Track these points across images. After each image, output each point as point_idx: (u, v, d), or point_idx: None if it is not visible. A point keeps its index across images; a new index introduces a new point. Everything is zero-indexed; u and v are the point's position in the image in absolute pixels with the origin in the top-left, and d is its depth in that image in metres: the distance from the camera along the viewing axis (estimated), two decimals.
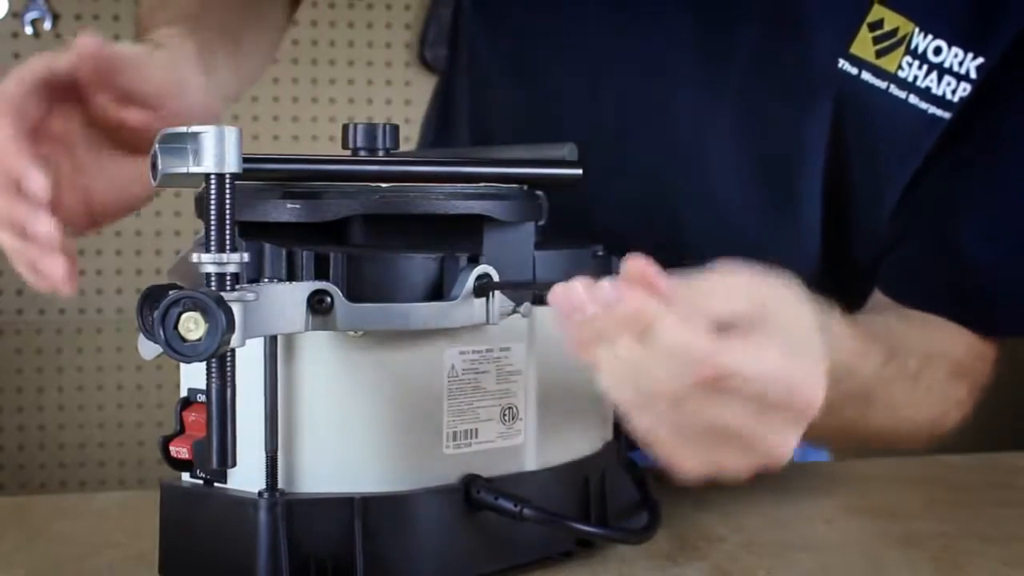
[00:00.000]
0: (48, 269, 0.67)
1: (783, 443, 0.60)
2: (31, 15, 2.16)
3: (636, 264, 0.57)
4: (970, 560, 0.79)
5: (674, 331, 0.56)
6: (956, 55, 0.88)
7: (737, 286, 0.60)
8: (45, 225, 0.65)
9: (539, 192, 0.76)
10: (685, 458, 0.60)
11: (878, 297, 0.96)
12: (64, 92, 0.70)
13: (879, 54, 0.89)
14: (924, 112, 0.89)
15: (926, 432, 0.90)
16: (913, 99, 0.89)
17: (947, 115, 0.90)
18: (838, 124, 0.92)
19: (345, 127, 0.74)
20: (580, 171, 0.76)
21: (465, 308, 0.68)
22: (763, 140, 0.94)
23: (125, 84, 0.71)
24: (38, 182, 0.64)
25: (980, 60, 0.88)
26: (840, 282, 0.91)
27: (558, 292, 0.58)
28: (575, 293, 0.57)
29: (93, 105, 0.72)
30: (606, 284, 0.57)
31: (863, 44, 0.89)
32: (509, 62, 1.01)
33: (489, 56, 1.02)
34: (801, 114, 0.92)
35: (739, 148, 0.94)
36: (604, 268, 0.79)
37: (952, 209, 0.92)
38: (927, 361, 0.88)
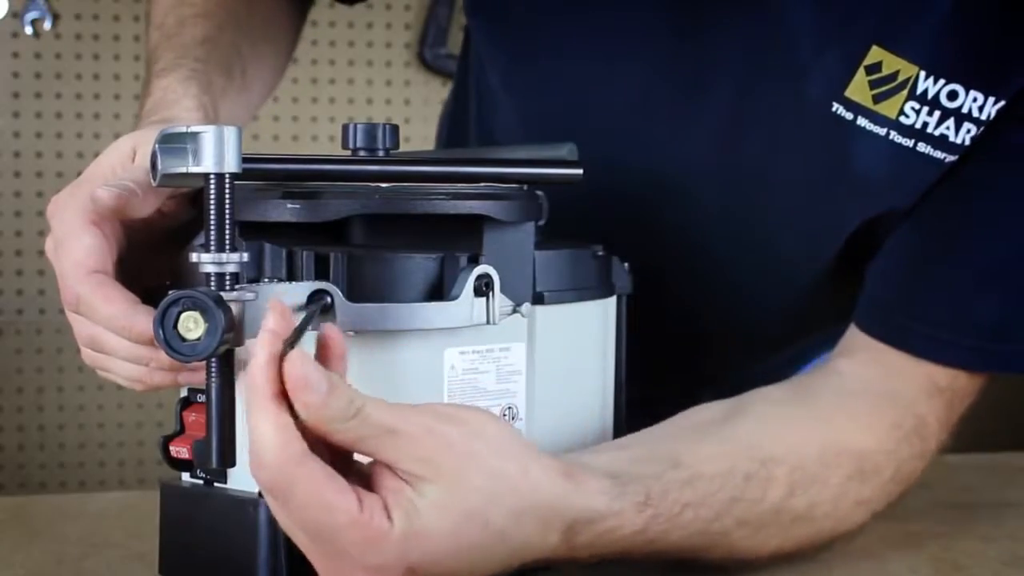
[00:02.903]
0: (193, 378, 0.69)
1: None
2: (31, 15, 2.16)
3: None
4: (970, 560, 0.79)
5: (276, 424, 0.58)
6: (975, 99, 0.81)
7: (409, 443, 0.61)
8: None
9: (539, 192, 0.76)
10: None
11: (846, 335, 0.88)
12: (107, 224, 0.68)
13: (877, 99, 0.83)
14: (941, 161, 0.83)
15: (807, 547, 0.79)
16: (924, 147, 0.83)
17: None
18: (829, 168, 0.87)
19: (345, 127, 0.74)
20: (580, 171, 0.76)
21: (465, 308, 0.68)
22: (747, 180, 0.90)
23: (153, 201, 0.69)
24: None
25: (1001, 103, 0.81)
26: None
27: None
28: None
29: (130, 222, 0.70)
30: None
31: (859, 88, 0.83)
32: (503, 77, 0.99)
33: (488, 67, 1.02)
34: (790, 155, 0.88)
35: (723, 185, 0.91)
36: (604, 268, 0.79)
37: (943, 238, 0.87)
38: (811, 476, 0.77)
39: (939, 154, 0.83)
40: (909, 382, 0.83)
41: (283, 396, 0.58)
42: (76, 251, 0.66)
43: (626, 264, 0.81)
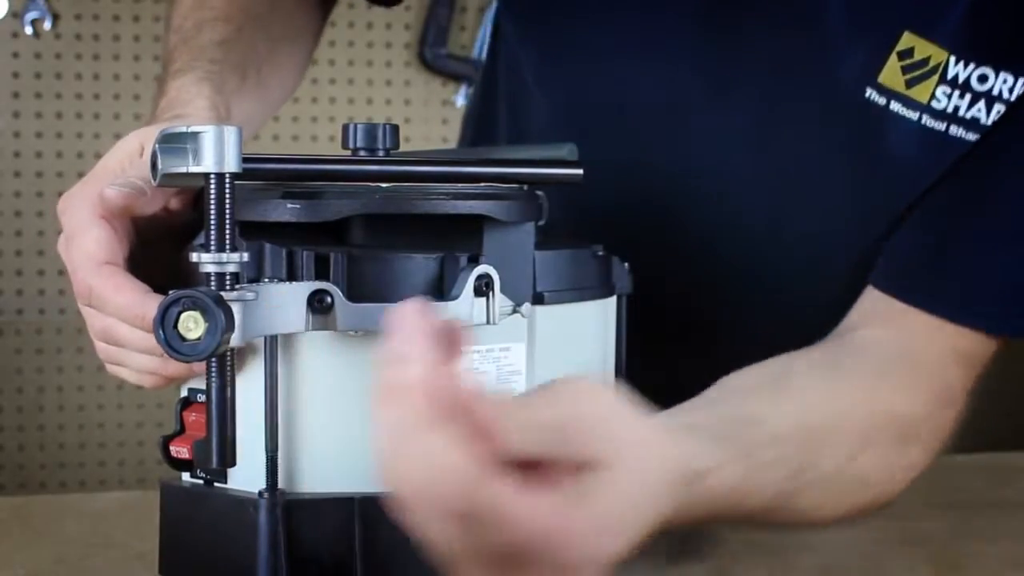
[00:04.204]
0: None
1: None
2: (31, 15, 2.16)
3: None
4: (970, 560, 0.79)
5: (448, 449, 0.51)
6: (1005, 81, 0.83)
7: (567, 423, 0.55)
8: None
9: (539, 192, 0.76)
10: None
11: (861, 306, 0.88)
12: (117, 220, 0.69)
13: (909, 84, 0.85)
14: (972, 144, 0.84)
15: (858, 513, 0.80)
16: (956, 130, 0.84)
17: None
18: (863, 157, 0.88)
19: (345, 127, 0.74)
20: (580, 171, 0.76)
21: (465, 308, 0.68)
22: (782, 174, 0.91)
23: (161, 199, 0.70)
24: None
25: None
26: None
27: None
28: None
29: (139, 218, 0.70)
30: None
31: (892, 74, 0.85)
32: (536, 69, 1.00)
33: (521, 59, 1.01)
34: (824, 146, 0.89)
35: (758, 181, 0.92)
36: (604, 268, 0.79)
37: (965, 204, 0.88)
38: (865, 440, 0.78)
39: (971, 136, 0.84)
40: (935, 347, 0.84)
41: (449, 410, 0.51)
42: (87, 244, 0.67)
43: (626, 264, 0.81)
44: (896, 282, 0.87)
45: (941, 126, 0.84)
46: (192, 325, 0.60)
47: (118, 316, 0.67)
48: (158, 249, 0.71)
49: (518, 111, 1.04)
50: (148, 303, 0.65)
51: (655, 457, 0.59)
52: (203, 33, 0.87)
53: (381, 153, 0.74)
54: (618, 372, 0.82)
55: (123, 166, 0.72)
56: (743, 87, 0.90)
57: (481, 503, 0.51)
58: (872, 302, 0.88)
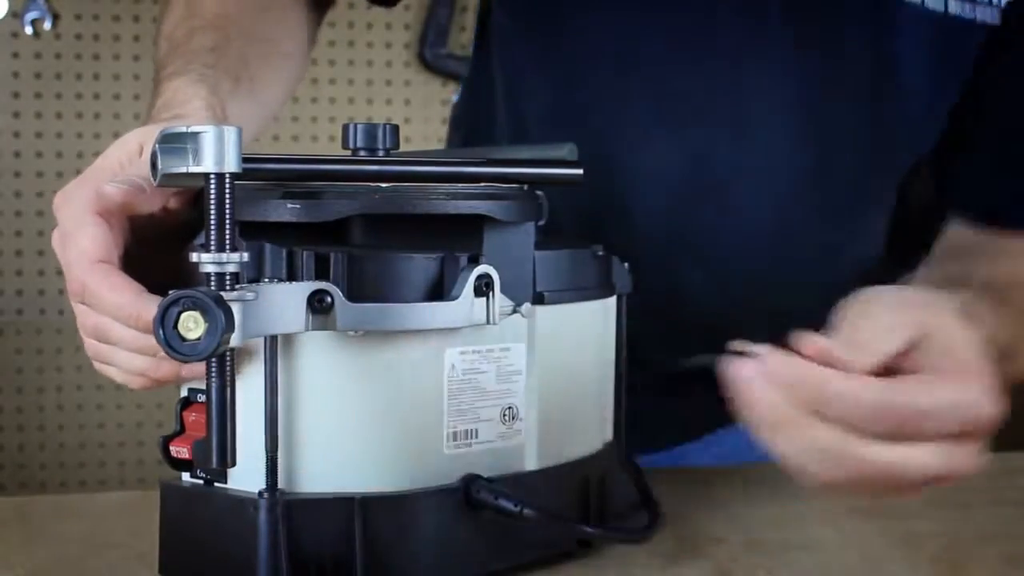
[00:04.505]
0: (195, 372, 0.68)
1: (965, 464, 0.61)
2: (31, 15, 2.16)
3: (813, 348, 0.60)
4: (970, 560, 0.79)
5: (847, 397, 0.58)
6: None
7: (891, 318, 0.63)
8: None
9: (539, 192, 0.76)
10: (864, 494, 0.63)
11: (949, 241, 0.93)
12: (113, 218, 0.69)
13: None
14: (973, 22, 0.89)
15: None
16: (954, 6, 0.88)
17: None
18: (877, 78, 0.92)
19: (345, 127, 0.74)
20: (580, 171, 0.76)
21: (465, 308, 0.68)
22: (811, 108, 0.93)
23: (159, 198, 0.70)
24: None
25: None
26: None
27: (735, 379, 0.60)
28: (752, 383, 0.59)
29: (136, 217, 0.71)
30: (775, 364, 0.59)
31: None
32: (538, 52, 1.00)
33: (519, 48, 1.02)
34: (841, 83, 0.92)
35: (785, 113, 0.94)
36: (604, 268, 0.79)
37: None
38: None
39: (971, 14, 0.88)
40: None
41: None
42: (82, 241, 0.67)
43: (626, 264, 0.81)
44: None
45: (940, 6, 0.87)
46: (192, 325, 0.60)
47: (112, 315, 0.67)
48: (156, 249, 0.71)
49: (516, 98, 1.04)
50: (142, 303, 0.65)
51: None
52: (194, 39, 0.87)
53: (381, 153, 0.74)
54: (618, 372, 0.82)
55: (121, 164, 0.72)
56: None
57: (897, 411, 0.58)
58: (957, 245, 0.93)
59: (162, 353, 0.63)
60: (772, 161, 0.94)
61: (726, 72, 0.93)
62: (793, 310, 0.96)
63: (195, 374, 0.68)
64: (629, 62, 0.95)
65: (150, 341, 0.64)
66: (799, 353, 0.60)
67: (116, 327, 0.67)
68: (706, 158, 0.94)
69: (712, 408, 1.08)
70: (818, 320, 0.96)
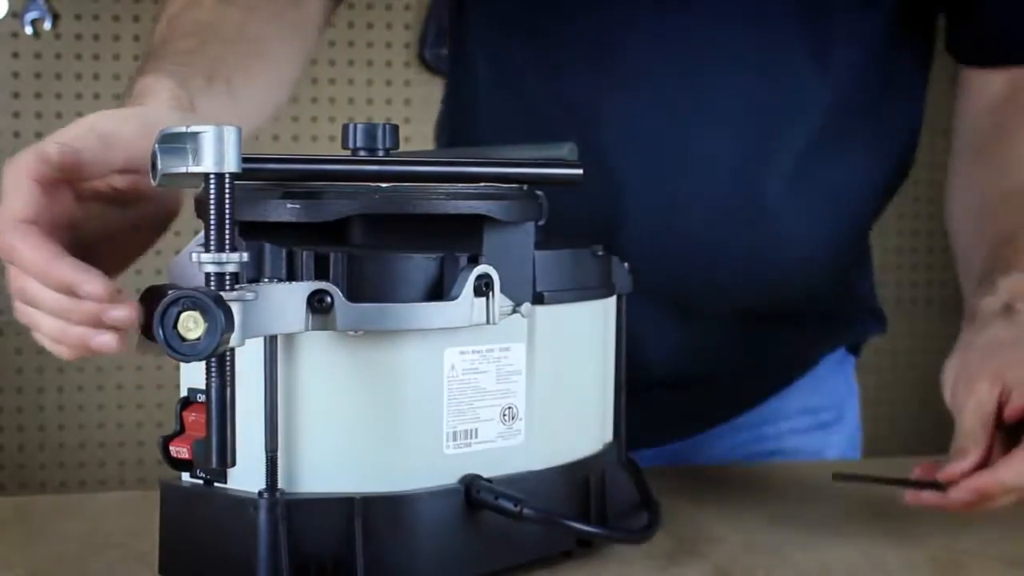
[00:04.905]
0: (105, 343, 0.68)
1: None
2: (31, 15, 2.16)
3: (951, 474, 0.80)
4: (970, 560, 0.79)
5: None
6: None
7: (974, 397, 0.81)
8: (114, 319, 0.66)
9: (539, 192, 0.76)
10: None
11: (974, 99, 1.01)
12: (52, 183, 0.70)
13: None
14: None
15: None
16: None
17: None
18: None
19: (345, 127, 0.74)
20: (580, 171, 0.76)
21: (465, 308, 0.68)
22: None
23: (101, 167, 0.71)
24: (95, 285, 0.65)
25: None
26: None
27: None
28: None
29: (80, 187, 0.72)
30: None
31: None
32: (491, 57, 1.03)
33: (477, 54, 1.04)
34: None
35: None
36: (604, 268, 0.79)
37: None
38: None
39: None
40: None
41: None
42: (13, 202, 0.67)
43: (626, 264, 0.81)
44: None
45: None
46: (192, 325, 0.60)
47: (31, 273, 0.67)
48: (109, 235, 0.73)
49: (512, 87, 1.05)
50: (59, 262, 0.65)
51: None
52: (168, 45, 0.89)
53: (381, 153, 0.74)
54: (618, 372, 0.82)
55: (72, 137, 0.72)
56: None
57: None
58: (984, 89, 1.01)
59: (75, 316, 0.66)
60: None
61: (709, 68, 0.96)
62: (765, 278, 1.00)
63: (105, 345, 0.67)
64: (606, 62, 0.98)
65: (64, 303, 0.66)
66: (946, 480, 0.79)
67: (35, 286, 0.67)
68: (662, 164, 0.97)
69: (710, 405, 1.09)
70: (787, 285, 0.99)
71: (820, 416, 1.15)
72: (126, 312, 0.65)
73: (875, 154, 1.03)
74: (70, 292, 0.65)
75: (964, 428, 0.81)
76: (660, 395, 1.02)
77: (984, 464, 0.80)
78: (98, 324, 0.66)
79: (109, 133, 0.71)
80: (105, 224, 0.73)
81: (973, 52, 1.03)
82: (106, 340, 0.67)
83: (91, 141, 0.70)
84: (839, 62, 0.98)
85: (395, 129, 0.74)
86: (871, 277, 1.16)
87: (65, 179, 0.69)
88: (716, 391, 1.08)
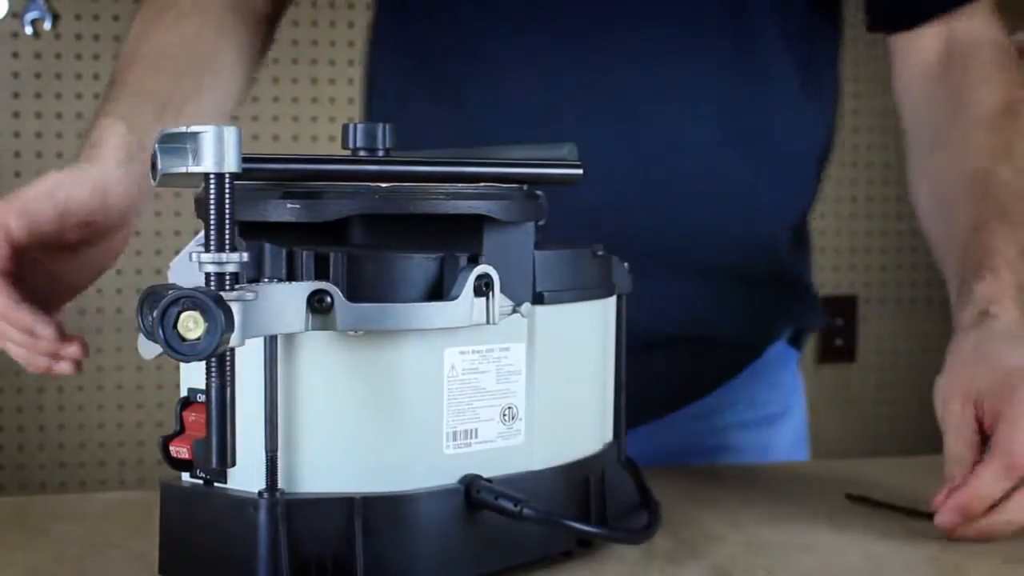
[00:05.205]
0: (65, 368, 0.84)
1: None
2: (31, 15, 2.16)
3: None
4: (970, 560, 0.79)
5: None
6: None
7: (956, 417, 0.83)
8: (68, 354, 0.83)
9: (539, 192, 0.76)
10: None
11: (904, 69, 1.05)
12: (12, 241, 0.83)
13: None
14: None
15: None
16: None
17: None
18: None
19: (345, 127, 0.74)
20: (580, 171, 0.76)
21: (465, 308, 0.68)
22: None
23: (56, 232, 0.83)
24: (48, 331, 0.82)
25: None
26: None
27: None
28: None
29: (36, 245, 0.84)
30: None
31: None
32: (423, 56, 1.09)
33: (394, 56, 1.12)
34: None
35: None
36: (604, 268, 0.79)
37: None
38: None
39: None
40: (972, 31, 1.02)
41: None
42: None
43: (626, 264, 0.81)
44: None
45: None
46: (192, 325, 0.60)
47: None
48: (47, 260, 0.86)
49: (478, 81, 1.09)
50: (19, 309, 0.81)
51: None
52: (128, 77, 0.96)
53: (381, 153, 0.74)
54: (618, 372, 0.82)
55: (33, 208, 0.83)
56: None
57: None
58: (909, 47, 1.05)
59: (38, 349, 0.83)
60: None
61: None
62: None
63: (63, 371, 0.84)
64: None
65: (28, 340, 0.82)
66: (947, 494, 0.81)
67: (3, 324, 0.83)
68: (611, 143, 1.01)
69: (651, 395, 1.10)
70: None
71: (764, 411, 1.15)
72: (76, 349, 0.83)
73: (812, 125, 1.08)
74: (31, 333, 0.82)
75: (950, 453, 0.83)
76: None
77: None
78: (56, 356, 0.83)
79: (65, 200, 0.83)
80: (56, 266, 0.86)
81: (897, 16, 1.05)
82: (63, 368, 0.83)
83: (48, 210, 0.83)
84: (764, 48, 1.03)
85: (395, 129, 0.75)
86: (810, 265, 1.19)
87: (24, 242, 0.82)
88: (657, 379, 1.09)
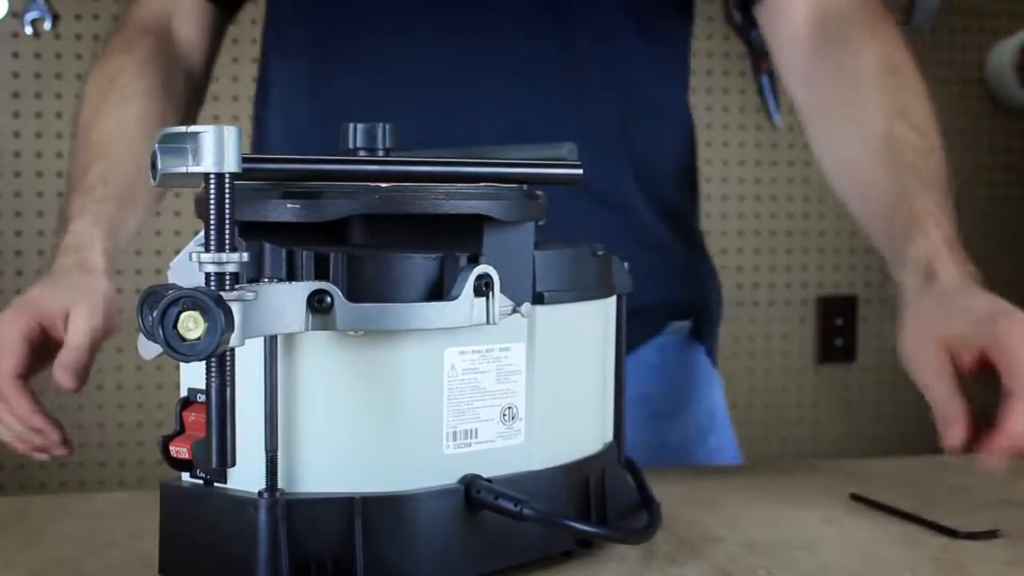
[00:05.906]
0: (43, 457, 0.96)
1: None
2: (31, 15, 2.16)
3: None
4: (970, 560, 0.79)
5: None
6: None
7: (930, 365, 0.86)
8: (56, 453, 0.97)
9: (539, 192, 0.76)
10: None
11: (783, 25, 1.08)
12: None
13: None
14: None
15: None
16: None
17: None
18: None
19: (345, 127, 0.74)
20: (580, 171, 0.76)
21: (465, 308, 0.68)
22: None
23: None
24: (56, 436, 0.94)
25: None
26: None
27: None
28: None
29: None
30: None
31: None
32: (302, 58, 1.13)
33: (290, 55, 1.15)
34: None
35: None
36: (604, 268, 0.79)
37: None
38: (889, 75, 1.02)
39: None
40: None
41: None
42: (9, 358, 0.91)
43: (626, 264, 0.81)
44: None
45: None
46: (192, 325, 0.60)
47: (15, 416, 0.93)
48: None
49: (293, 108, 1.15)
50: (36, 415, 0.92)
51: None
52: (88, 174, 1.04)
53: (381, 153, 0.74)
54: (618, 372, 0.82)
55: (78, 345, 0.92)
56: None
57: None
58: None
59: (38, 442, 0.95)
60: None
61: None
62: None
63: (60, 455, 0.96)
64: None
65: (27, 434, 0.94)
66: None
67: (7, 416, 0.93)
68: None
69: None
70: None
71: (654, 405, 1.12)
72: (64, 452, 0.96)
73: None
74: (39, 433, 0.93)
75: (938, 394, 0.85)
76: None
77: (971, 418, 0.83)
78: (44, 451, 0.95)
79: (95, 329, 0.94)
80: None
81: None
82: (41, 457, 0.96)
83: (87, 356, 0.93)
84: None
85: (395, 129, 0.75)
86: (706, 257, 1.21)
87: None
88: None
